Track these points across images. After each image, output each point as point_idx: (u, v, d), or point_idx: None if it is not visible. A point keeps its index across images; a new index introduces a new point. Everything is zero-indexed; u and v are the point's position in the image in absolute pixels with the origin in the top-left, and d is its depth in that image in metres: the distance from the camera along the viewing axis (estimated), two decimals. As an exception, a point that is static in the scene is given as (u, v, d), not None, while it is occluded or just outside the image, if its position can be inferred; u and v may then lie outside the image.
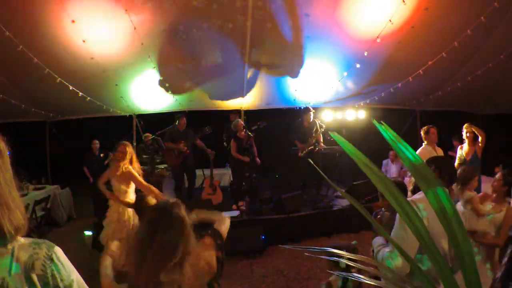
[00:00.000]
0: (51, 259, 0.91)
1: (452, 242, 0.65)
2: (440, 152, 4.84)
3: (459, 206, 3.03)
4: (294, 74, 6.29)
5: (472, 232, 2.86)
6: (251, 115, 7.84)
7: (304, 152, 6.36)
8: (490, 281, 2.75)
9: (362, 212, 0.77)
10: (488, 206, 2.95)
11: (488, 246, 2.87)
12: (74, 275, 0.96)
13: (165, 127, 6.43)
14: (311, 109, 6.60)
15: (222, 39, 5.01)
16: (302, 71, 6.07)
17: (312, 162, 1.26)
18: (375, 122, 0.70)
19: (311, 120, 6.59)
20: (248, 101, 7.54)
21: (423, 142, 4.93)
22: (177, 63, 5.48)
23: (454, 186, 3.11)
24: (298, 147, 6.55)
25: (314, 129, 6.57)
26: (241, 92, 6.90)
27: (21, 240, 0.91)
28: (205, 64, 5.59)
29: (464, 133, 4.92)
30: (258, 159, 6.11)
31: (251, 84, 6.66)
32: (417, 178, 0.65)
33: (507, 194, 2.97)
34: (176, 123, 6.19)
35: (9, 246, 0.87)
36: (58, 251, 0.95)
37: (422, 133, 4.90)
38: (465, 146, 4.95)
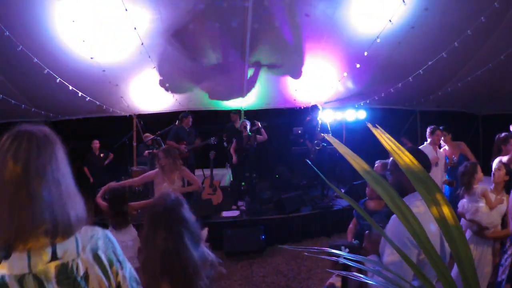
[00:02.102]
0: (109, 238, 1.00)
1: (450, 246, 0.65)
2: (440, 154, 4.84)
3: (469, 203, 3.02)
4: (295, 75, 6.28)
5: (484, 228, 2.87)
6: (251, 115, 7.85)
7: (314, 153, 6.25)
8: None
9: (361, 213, 0.77)
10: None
11: (492, 239, 2.90)
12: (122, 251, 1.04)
13: (165, 127, 6.42)
14: (320, 107, 6.48)
15: (222, 39, 5.01)
16: (302, 71, 6.07)
17: (310, 163, 1.25)
18: (370, 125, 0.69)
19: (319, 119, 6.49)
20: (248, 101, 7.54)
21: (425, 140, 4.93)
22: (177, 63, 5.49)
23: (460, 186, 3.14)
24: (308, 147, 6.43)
25: (323, 127, 6.45)
26: (241, 92, 6.90)
27: None
28: (206, 64, 5.59)
29: (441, 137, 4.91)
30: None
31: (251, 84, 6.66)
32: (414, 183, 0.65)
33: (506, 186, 3.01)
34: (181, 122, 6.13)
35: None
36: (109, 231, 1.03)
37: (427, 131, 4.89)
38: (448, 148, 4.96)
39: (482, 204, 2.93)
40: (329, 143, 6.65)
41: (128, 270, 1.02)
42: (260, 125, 6.34)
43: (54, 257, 0.87)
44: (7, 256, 0.84)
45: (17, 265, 0.84)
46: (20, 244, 0.85)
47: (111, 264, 0.95)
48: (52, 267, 0.86)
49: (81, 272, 0.89)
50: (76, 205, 0.95)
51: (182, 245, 1.39)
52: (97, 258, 0.93)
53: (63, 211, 0.90)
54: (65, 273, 0.87)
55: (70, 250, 0.90)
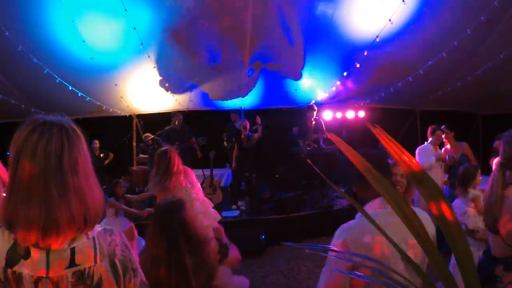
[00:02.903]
0: (125, 245, 0.99)
1: (450, 244, 0.64)
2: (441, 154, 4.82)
3: (460, 204, 3.02)
4: (295, 75, 6.28)
5: (474, 231, 2.86)
6: (251, 115, 7.84)
7: (306, 153, 6.26)
8: None
9: (362, 212, 0.77)
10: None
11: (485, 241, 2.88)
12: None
13: (165, 127, 6.42)
14: (315, 108, 6.51)
15: (222, 39, 5.01)
16: (302, 71, 6.07)
17: (311, 163, 1.25)
18: (369, 125, 0.69)
19: (315, 119, 6.50)
20: (248, 101, 7.54)
21: (426, 140, 4.91)
22: (177, 63, 5.48)
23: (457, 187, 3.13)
24: (301, 147, 6.44)
25: (318, 128, 6.46)
26: (241, 92, 6.90)
27: (97, 228, 0.96)
28: (205, 64, 5.59)
29: (442, 137, 4.88)
30: None
31: (251, 84, 6.66)
32: (416, 185, 0.64)
33: None
34: (176, 123, 6.16)
35: (91, 236, 0.93)
36: (125, 237, 1.02)
37: (428, 130, 4.86)
38: (449, 147, 4.92)
39: (470, 208, 2.93)
40: (325, 144, 6.69)
41: (140, 277, 1.02)
42: (260, 122, 6.36)
43: (72, 263, 0.87)
44: (26, 257, 0.84)
45: (35, 267, 0.84)
46: (44, 242, 0.84)
47: (125, 272, 0.95)
48: (70, 273, 0.87)
49: (96, 279, 0.90)
50: (101, 194, 0.96)
51: (174, 247, 1.52)
52: (113, 265, 0.93)
53: (93, 202, 0.91)
54: (82, 279, 0.88)
55: (88, 256, 0.90)
